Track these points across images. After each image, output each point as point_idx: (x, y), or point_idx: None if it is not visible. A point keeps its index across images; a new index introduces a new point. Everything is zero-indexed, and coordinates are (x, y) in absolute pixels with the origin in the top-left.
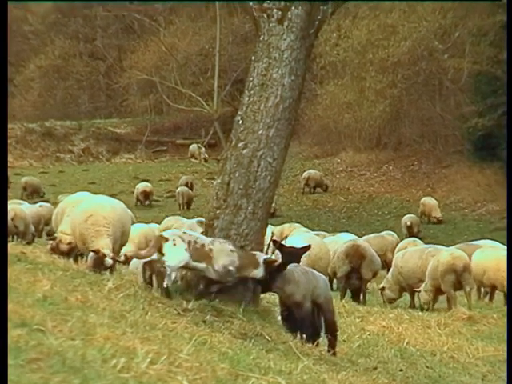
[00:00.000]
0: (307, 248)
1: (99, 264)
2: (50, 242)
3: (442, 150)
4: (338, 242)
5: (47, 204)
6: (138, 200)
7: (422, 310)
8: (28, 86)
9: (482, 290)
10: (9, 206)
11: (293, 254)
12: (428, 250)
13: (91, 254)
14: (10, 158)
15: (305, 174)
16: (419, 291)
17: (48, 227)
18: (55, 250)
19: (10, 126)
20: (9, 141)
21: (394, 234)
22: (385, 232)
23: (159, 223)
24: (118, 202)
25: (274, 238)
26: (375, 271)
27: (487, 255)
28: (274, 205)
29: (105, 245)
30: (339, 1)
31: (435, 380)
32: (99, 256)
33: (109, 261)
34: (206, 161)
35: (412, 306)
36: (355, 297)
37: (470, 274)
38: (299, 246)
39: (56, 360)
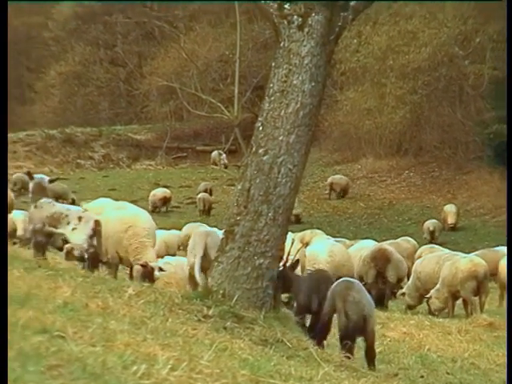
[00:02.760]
0: None
1: (148, 277)
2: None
3: (462, 156)
4: (363, 249)
5: None
6: (155, 206)
7: (432, 314)
8: (48, 93)
9: None
10: None
11: None
12: (445, 256)
13: (137, 267)
14: (30, 165)
15: (329, 180)
16: (429, 298)
17: None
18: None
19: (30, 132)
20: (29, 147)
21: (412, 239)
22: (401, 238)
23: (179, 229)
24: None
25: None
26: (400, 276)
27: None
28: (300, 211)
29: (151, 258)
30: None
31: None
32: (148, 270)
33: (158, 274)
34: (226, 167)
35: (429, 312)
36: (379, 302)
37: (488, 282)
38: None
39: (76, 366)
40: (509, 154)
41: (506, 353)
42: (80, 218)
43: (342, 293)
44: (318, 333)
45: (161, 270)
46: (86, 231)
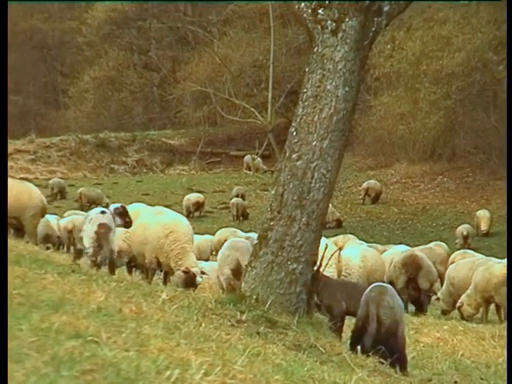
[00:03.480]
0: None
1: (190, 283)
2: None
3: (496, 162)
4: (396, 254)
5: None
6: (189, 211)
7: (464, 319)
8: (82, 98)
9: None
10: (68, 218)
11: None
12: (479, 261)
13: (179, 273)
14: (64, 169)
15: (364, 185)
16: (461, 305)
17: None
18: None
19: (64, 137)
20: (63, 152)
21: (444, 244)
22: (433, 243)
23: (213, 234)
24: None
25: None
26: (432, 282)
27: None
28: (339, 215)
29: (193, 263)
30: (399, 0)
31: None
32: (190, 275)
33: (200, 279)
34: (265, 171)
35: (462, 318)
36: (418, 308)
37: None
38: (354, 258)
39: (110, 371)
40: (509, 155)
41: (506, 353)
42: (90, 221)
43: (376, 298)
44: (352, 338)
45: (203, 273)
46: (91, 234)
